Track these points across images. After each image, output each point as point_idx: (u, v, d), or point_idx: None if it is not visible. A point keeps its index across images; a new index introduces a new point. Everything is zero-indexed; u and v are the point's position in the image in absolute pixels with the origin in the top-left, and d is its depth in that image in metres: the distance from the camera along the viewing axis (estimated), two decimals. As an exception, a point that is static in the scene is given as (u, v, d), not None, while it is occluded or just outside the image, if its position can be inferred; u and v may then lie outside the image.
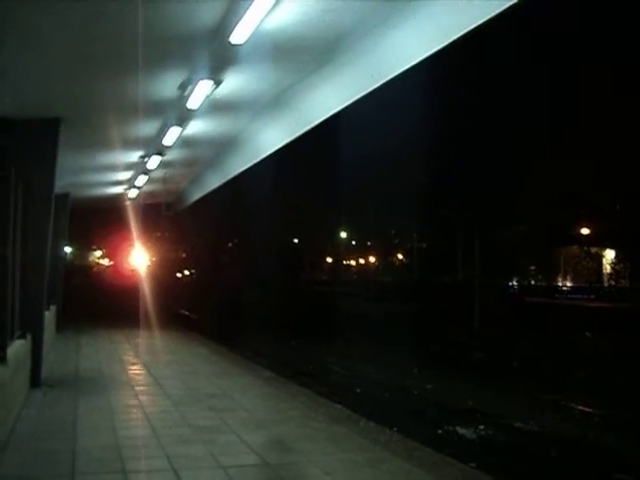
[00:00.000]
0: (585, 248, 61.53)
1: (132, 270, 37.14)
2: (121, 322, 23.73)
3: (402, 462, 7.20)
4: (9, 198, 8.23)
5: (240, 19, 7.14)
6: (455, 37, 7.47)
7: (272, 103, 11.52)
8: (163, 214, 24.09)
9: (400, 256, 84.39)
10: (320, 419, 9.17)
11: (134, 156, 16.04)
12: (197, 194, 23.32)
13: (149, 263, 40.60)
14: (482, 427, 12.22)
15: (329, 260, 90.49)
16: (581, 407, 14.10)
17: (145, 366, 14.09)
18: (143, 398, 10.56)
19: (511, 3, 6.58)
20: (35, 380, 10.99)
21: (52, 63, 8.98)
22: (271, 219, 57.04)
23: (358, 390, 15.54)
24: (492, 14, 6.88)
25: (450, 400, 14.39)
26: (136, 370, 13.66)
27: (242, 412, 9.47)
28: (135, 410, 9.63)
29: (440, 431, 11.93)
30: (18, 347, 9.31)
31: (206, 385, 11.65)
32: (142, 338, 19.53)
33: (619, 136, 45.04)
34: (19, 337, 9.83)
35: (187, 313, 34.85)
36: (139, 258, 32.11)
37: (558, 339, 26.26)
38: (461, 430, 12.07)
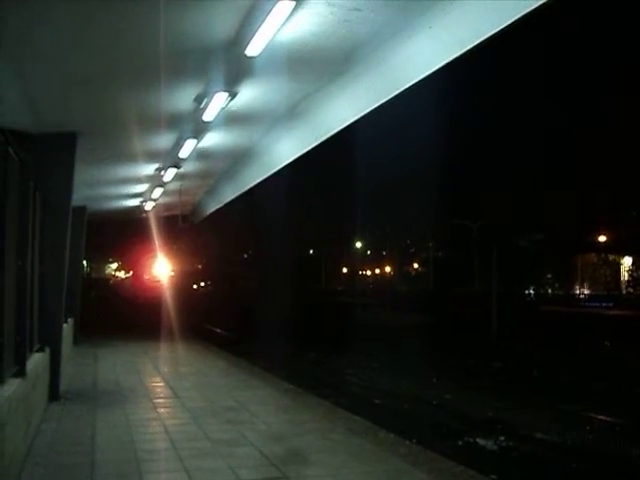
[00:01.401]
0: (602, 255, 61.11)
1: (157, 281, 37.22)
2: (138, 334, 23.82)
3: (422, 474, 7.12)
4: (28, 212, 8.27)
5: (255, 31, 7.17)
6: (470, 46, 7.46)
7: (287, 114, 11.54)
8: (179, 226, 24.16)
9: (416, 265, 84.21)
10: (339, 431, 9.11)
11: (150, 169, 16.14)
12: (213, 206, 23.41)
13: (172, 274, 40.78)
14: (503, 438, 12.07)
15: (345, 270, 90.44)
16: (602, 417, 13.89)
17: (163, 378, 14.10)
18: (161, 411, 10.56)
19: (526, 11, 6.57)
20: (53, 393, 11.01)
21: (69, 78, 9.07)
22: (287, 230, 57.09)
23: (377, 401, 15.43)
24: (507, 22, 6.89)
25: (470, 411, 14.26)
26: (154, 383, 13.67)
27: (260, 424, 9.43)
28: (153, 423, 9.61)
29: (460, 442, 11.80)
30: (37, 360, 9.33)
31: (224, 398, 11.61)
32: (159, 350, 19.56)
33: (636, 141, 44.76)
34: (38, 350, 9.85)
35: (204, 324, 34.88)
36: (163, 269, 32.14)
37: (577, 348, 26.01)
38: (481, 441, 11.94)
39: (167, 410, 10.69)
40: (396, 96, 9.52)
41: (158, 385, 13.33)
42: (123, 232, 34.37)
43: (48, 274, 10.71)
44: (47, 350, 10.63)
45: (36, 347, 9.71)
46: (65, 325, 14.08)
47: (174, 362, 17.02)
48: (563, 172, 48.83)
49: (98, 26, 7.31)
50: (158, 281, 35.77)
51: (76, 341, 19.93)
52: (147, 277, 48.92)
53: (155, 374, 14.89)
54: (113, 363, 16.40)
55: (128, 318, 31.12)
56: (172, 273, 40.59)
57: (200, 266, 73.02)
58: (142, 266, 48.25)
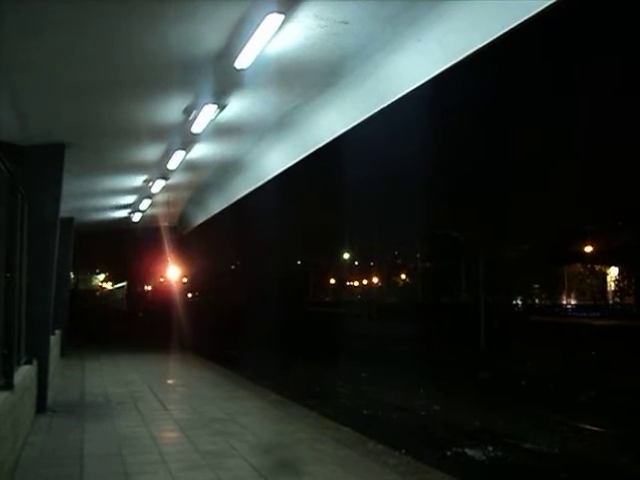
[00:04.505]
0: (588, 266, 61.45)
1: (167, 289, 36.41)
2: (125, 346, 23.73)
3: (412, 485, 7.14)
4: (16, 224, 8.25)
5: (245, 44, 7.23)
6: (459, 59, 7.54)
7: (276, 126, 11.60)
8: (167, 237, 24.10)
9: (403, 276, 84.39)
10: (328, 442, 9.10)
11: (138, 180, 16.13)
12: (201, 217, 23.41)
13: (185, 280, 39.91)
14: (491, 448, 12.10)
15: (332, 281, 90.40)
16: (590, 426, 13.95)
17: (151, 390, 14.02)
18: (150, 423, 10.48)
19: (516, 24, 6.66)
20: (41, 406, 10.93)
21: (57, 90, 9.08)
22: (275, 241, 57.02)
23: (365, 412, 15.42)
24: (496, 35, 6.97)
25: (458, 421, 14.27)
26: (142, 395, 13.57)
27: (249, 436, 9.41)
28: (142, 435, 9.53)
29: (449, 452, 11.81)
30: (24, 373, 9.27)
31: (212, 409, 11.58)
32: (147, 362, 19.48)
33: (622, 152, 45.19)
34: (25, 362, 9.80)
35: (190, 335, 34.71)
36: (173, 276, 31.38)
37: (564, 358, 26.11)
38: (470, 451, 11.95)
39: (156, 422, 10.61)
40: (384, 107, 9.59)
41: (146, 397, 13.23)
42: (112, 244, 34.22)
43: (36, 286, 10.65)
44: (34, 362, 10.56)
45: (24, 359, 9.65)
46: (52, 337, 14.01)
47: (162, 374, 16.94)
48: (549, 183, 49.16)
49: (88, 38, 7.34)
50: (169, 288, 34.92)
51: (63, 353, 19.82)
52: (151, 287, 48.28)
53: (143, 386, 14.79)
54: (100, 375, 16.31)
55: (115, 330, 31.00)
56: (185, 280, 39.67)
57: (186, 278, 72.52)
58: (143, 276, 47.71)
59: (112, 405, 12.03)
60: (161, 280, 41.74)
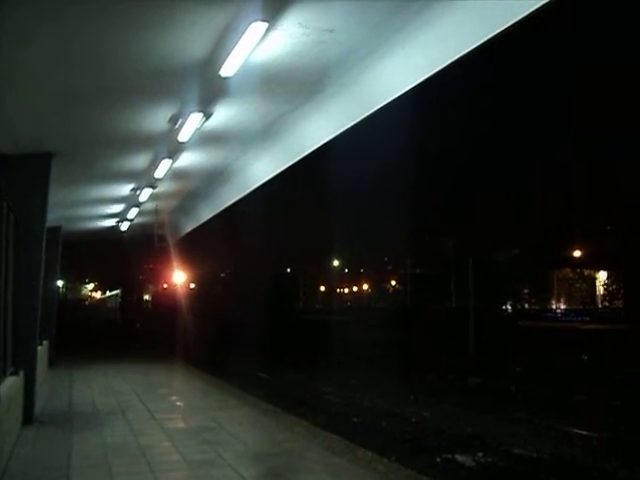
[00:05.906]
0: (578, 270, 61.76)
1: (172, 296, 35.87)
2: (115, 355, 23.60)
3: (401, 492, 7.12)
4: (1, 233, 8.21)
5: (229, 52, 7.23)
6: (443, 65, 7.57)
7: (262, 134, 11.60)
8: (156, 246, 23.97)
9: (393, 283, 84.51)
10: (317, 450, 9.08)
11: (126, 189, 16.09)
12: (189, 226, 23.36)
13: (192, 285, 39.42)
14: (481, 454, 12.07)
15: (322, 288, 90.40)
16: (580, 431, 13.96)
17: (140, 400, 13.94)
18: (138, 433, 10.41)
19: (499, 30, 6.69)
20: (28, 417, 10.86)
21: (44, 99, 9.05)
22: (264, 249, 56.93)
23: (355, 419, 15.37)
24: (480, 42, 6.99)
25: (448, 427, 14.24)
26: (131, 405, 13.48)
27: (239, 445, 9.37)
28: (130, 446, 9.48)
29: (439, 459, 11.78)
30: (11, 384, 9.21)
31: (202, 418, 11.53)
32: (137, 372, 19.36)
33: (611, 156, 45.51)
34: (12, 373, 9.73)
35: (180, 344, 34.56)
36: (179, 282, 30.95)
37: (554, 363, 26.16)
38: (460, 458, 11.91)
39: (144, 432, 10.54)
40: (371, 114, 9.61)
41: (135, 407, 13.15)
42: (102, 252, 34.07)
43: (22, 296, 10.59)
44: (21, 373, 10.49)
45: (10, 370, 9.58)
46: (40, 347, 13.92)
47: (151, 383, 16.84)
48: (538, 187, 49.42)
49: (75, 47, 7.32)
50: (172, 296, 34.46)
51: (51, 363, 19.69)
52: (151, 295, 47.82)
53: (132, 396, 14.71)
54: (89, 385, 16.20)
55: (105, 339, 30.83)
56: (192, 285, 39.10)
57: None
58: (138, 284, 47.34)
59: (100, 416, 11.96)
60: (164, 287, 41.38)
